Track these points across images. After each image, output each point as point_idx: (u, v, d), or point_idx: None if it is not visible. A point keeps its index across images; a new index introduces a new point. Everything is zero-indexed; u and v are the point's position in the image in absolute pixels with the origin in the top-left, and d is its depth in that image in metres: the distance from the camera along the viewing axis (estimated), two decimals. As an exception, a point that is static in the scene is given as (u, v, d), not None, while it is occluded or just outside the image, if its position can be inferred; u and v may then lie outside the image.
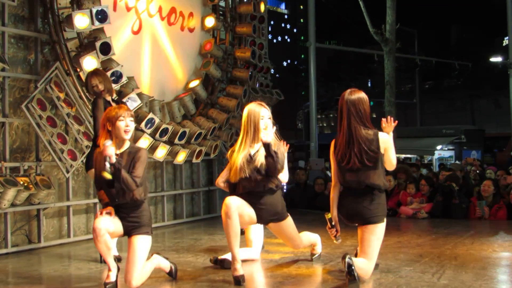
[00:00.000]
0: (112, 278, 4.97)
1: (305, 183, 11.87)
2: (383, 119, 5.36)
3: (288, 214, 5.65)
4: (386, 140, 5.12)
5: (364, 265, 5.02)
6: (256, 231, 6.18)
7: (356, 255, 5.35)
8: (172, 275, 5.41)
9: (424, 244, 7.19)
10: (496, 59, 38.41)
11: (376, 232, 5.13)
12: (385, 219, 5.15)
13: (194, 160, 9.40)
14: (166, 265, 5.40)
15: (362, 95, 5.16)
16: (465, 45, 49.66)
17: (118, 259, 5.81)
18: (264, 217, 5.47)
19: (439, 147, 28.79)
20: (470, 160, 16.85)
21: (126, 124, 4.98)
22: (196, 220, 9.82)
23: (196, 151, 9.27)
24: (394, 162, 5.19)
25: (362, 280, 5.01)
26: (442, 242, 7.40)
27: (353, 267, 4.80)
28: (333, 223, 5.36)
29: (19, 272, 6.10)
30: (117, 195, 4.94)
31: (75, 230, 8.00)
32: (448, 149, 29.94)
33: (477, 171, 13.30)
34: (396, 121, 5.40)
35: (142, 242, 4.98)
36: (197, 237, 8.16)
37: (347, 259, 4.79)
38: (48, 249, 7.41)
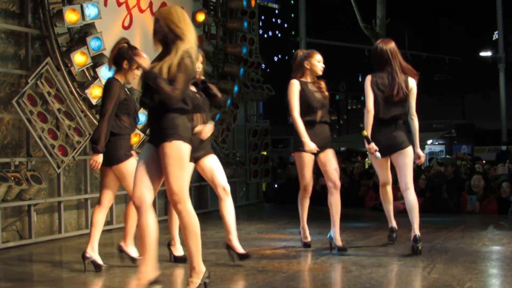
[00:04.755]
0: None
1: (297, 178, 11.86)
2: None
3: None
4: (413, 85, 6.33)
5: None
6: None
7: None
8: None
9: (415, 239, 7.21)
10: (486, 53, 38.53)
11: (411, 155, 6.22)
12: None
13: (185, 155, 9.37)
14: None
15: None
16: (455, 40, 49.79)
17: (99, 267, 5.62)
18: None
19: (429, 141, 28.84)
20: (460, 154, 16.92)
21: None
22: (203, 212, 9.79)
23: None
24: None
25: None
26: (433, 236, 7.43)
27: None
28: (370, 140, 6.10)
29: (10, 268, 6.09)
30: None
31: (66, 226, 7.98)
32: (439, 144, 30.02)
33: (468, 166, 13.37)
34: None
35: None
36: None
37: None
38: (39, 245, 7.40)
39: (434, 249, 6.51)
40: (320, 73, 6.52)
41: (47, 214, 7.81)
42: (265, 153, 11.90)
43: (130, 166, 5.39)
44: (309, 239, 6.63)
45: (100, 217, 5.64)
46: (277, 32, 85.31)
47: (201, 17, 10.16)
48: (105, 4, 8.36)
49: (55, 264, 6.31)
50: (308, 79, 6.52)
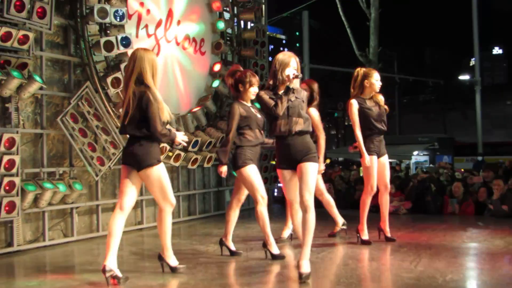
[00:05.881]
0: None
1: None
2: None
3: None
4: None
5: None
6: None
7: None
8: None
9: (403, 236, 7.16)
10: (464, 77, 38.39)
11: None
12: None
13: (205, 165, 9.39)
14: None
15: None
16: (438, 65, 49.75)
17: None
18: None
19: (415, 152, 28.72)
20: (442, 164, 16.82)
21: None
22: (207, 216, 9.80)
23: (207, 157, 9.26)
24: None
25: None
26: (419, 234, 7.38)
27: None
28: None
29: (56, 262, 6.10)
30: None
31: (104, 226, 7.97)
32: (424, 155, 29.86)
33: (449, 173, 13.30)
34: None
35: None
36: (208, 231, 8.14)
37: None
38: (81, 242, 7.41)
39: (419, 245, 6.46)
40: (377, 90, 6.47)
41: (87, 216, 7.82)
42: (273, 162, 11.86)
43: (246, 172, 5.70)
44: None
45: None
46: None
47: (219, 46, 10.20)
48: (137, 36, 8.40)
49: (94, 258, 6.30)
50: (366, 95, 6.49)
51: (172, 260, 5.13)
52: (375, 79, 6.42)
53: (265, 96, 5.03)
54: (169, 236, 5.05)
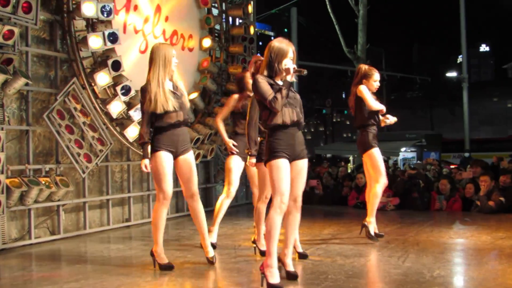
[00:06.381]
0: None
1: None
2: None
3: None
4: None
5: None
6: None
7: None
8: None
9: (391, 232, 7.18)
10: (452, 74, 38.56)
11: None
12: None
13: (193, 162, 9.35)
14: None
15: None
16: (425, 62, 49.99)
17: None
18: None
19: (403, 149, 28.89)
20: (430, 160, 16.90)
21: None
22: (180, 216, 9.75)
23: (195, 153, 9.23)
24: None
25: None
26: (406, 230, 7.40)
27: None
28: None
29: (42, 260, 6.05)
30: None
31: (91, 223, 7.93)
32: (411, 151, 30.05)
33: (436, 170, 13.37)
34: None
35: None
36: (196, 228, 8.09)
37: None
38: (67, 240, 7.35)
39: (407, 241, 6.48)
40: (374, 91, 6.48)
41: (74, 213, 7.76)
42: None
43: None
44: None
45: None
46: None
47: (207, 42, 10.16)
48: (124, 32, 8.33)
49: (81, 255, 6.26)
50: None
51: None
52: (374, 80, 6.42)
53: (264, 82, 4.45)
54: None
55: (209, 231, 5.80)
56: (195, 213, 5.33)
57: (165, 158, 5.05)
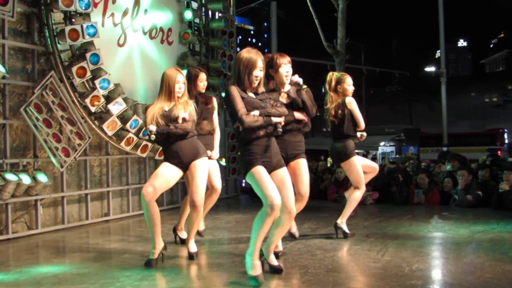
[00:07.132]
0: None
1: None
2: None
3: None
4: None
5: None
6: None
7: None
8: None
9: (370, 226, 7.23)
10: (430, 69, 38.91)
11: None
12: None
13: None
14: None
15: None
16: (404, 57, 50.34)
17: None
18: None
19: (382, 143, 29.10)
20: (408, 154, 17.05)
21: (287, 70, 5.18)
22: (175, 207, 9.72)
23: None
24: None
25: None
26: (385, 224, 7.46)
27: None
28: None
29: (19, 255, 5.98)
30: None
31: (69, 218, 7.87)
32: (390, 145, 30.29)
33: (415, 164, 13.49)
34: None
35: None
36: (175, 222, 8.06)
37: None
38: (45, 234, 7.28)
39: (386, 235, 6.53)
40: (350, 95, 6.38)
41: (52, 208, 7.69)
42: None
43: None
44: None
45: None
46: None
47: (186, 36, 10.11)
48: (103, 25, 8.25)
49: (59, 250, 6.20)
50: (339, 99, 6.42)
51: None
52: (348, 84, 6.39)
53: (236, 95, 4.34)
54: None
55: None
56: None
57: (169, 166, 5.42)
